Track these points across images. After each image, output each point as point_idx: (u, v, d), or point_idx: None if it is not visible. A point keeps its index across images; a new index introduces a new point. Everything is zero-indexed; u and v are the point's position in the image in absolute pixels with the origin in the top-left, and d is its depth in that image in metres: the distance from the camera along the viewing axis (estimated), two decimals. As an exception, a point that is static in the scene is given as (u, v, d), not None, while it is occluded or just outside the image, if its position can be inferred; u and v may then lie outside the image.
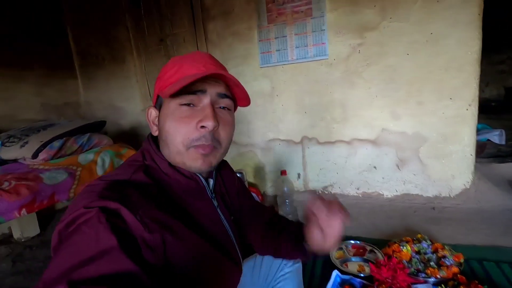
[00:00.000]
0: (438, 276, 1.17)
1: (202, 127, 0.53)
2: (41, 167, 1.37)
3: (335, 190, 2.08)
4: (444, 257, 1.26)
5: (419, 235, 1.42)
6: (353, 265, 1.36)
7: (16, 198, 1.14)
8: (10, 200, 1.14)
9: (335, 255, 1.43)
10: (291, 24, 1.96)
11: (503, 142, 2.24)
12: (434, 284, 1.16)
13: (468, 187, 1.78)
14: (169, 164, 0.56)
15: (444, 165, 1.80)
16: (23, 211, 1.17)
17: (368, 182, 1.99)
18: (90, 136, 1.64)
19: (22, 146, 1.42)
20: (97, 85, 2.71)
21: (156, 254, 0.45)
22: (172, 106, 0.54)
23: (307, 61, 1.98)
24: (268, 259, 1.03)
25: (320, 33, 1.91)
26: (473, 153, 1.75)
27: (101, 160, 1.48)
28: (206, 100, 0.55)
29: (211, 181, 0.64)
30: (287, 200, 1.67)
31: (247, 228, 0.81)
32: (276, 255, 0.86)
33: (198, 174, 0.58)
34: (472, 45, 1.63)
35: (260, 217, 0.84)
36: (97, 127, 1.79)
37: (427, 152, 1.82)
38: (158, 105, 0.59)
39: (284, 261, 1.04)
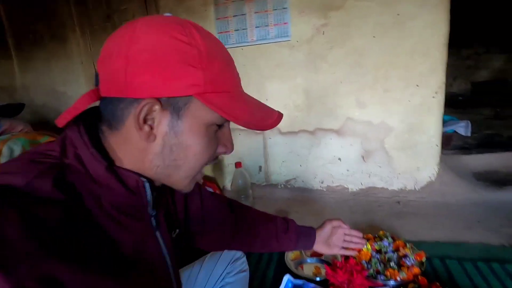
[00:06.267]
0: (398, 279, 1.05)
1: (222, 152, 0.47)
2: None
3: (299, 184, 1.93)
4: (405, 256, 1.14)
5: (381, 232, 1.31)
6: (309, 267, 1.23)
7: None
8: None
9: (290, 256, 1.29)
10: (251, 1, 1.77)
11: (469, 134, 2.21)
12: (393, 287, 1.04)
13: (433, 180, 1.70)
14: (107, 167, 0.38)
15: (409, 156, 1.70)
16: None
17: (333, 175, 1.86)
18: (-2, 121, 1.35)
19: None
20: (35, 67, 2.37)
21: None
22: (204, 120, 0.40)
23: (268, 43, 1.79)
24: (207, 268, 0.87)
25: (282, 11, 1.73)
26: (439, 143, 1.67)
27: (8, 149, 1.21)
28: (228, 123, 0.46)
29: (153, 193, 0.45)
30: (242, 196, 1.50)
31: (203, 232, 0.73)
32: (253, 248, 0.85)
33: (146, 186, 0.42)
34: (439, 27, 1.52)
35: (223, 215, 0.77)
36: (12, 111, 1.50)
37: (393, 143, 1.72)
38: (173, 105, 0.38)
39: (227, 270, 0.89)
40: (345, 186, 1.85)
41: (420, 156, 1.69)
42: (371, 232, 1.29)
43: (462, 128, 2.20)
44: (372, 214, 1.62)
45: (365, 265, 1.14)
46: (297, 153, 1.89)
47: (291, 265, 1.22)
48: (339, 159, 1.83)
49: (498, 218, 1.44)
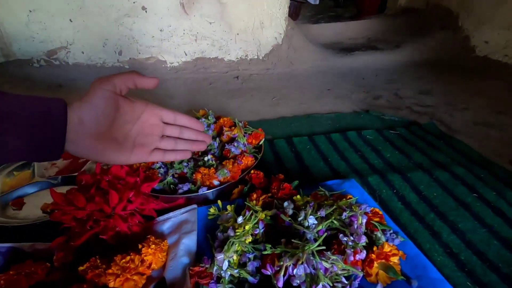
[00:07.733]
0: (215, 182, 0.52)
1: None
2: None
3: (74, 58, 1.08)
4: (232, 140, 0.62)
5: (200, 112, 0.74)
6: (35, 203, 0.54)
7: None
8: None
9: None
10: None
11: (317, 2, 1.87)
12: (206, 202, 0.52)
13: (281, 43, 1.24)
14: None
15: (251, 4, 1.12)
16: None
17: (137, 40, 1.10)
18: None
19: None
20: None
21: None
22: None
23: None
24: None
25: None
26: (288, -16, 1.15)
27: None
28: None
29: None
30: None
31: None
32: None
33: None
34: None
35: None
36: None
37: (227, -20, 1.07)
38: None
39: None
40: (161, 58, 1.14)
41: (264, 5, 1.13)
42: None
43: (311, -5, 1.81)
44: (199, 97, 1.05)
45: (159, 171, 0.55)
46: (59, -6, 0.97)
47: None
48: (144, 8, 1.05)
49: (347, 84, 1.15)
